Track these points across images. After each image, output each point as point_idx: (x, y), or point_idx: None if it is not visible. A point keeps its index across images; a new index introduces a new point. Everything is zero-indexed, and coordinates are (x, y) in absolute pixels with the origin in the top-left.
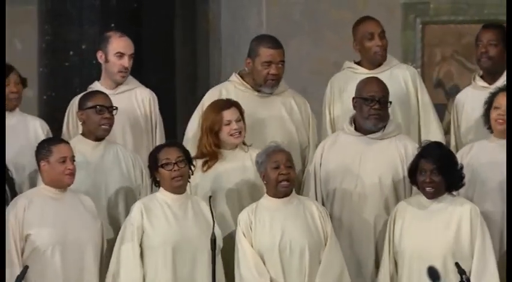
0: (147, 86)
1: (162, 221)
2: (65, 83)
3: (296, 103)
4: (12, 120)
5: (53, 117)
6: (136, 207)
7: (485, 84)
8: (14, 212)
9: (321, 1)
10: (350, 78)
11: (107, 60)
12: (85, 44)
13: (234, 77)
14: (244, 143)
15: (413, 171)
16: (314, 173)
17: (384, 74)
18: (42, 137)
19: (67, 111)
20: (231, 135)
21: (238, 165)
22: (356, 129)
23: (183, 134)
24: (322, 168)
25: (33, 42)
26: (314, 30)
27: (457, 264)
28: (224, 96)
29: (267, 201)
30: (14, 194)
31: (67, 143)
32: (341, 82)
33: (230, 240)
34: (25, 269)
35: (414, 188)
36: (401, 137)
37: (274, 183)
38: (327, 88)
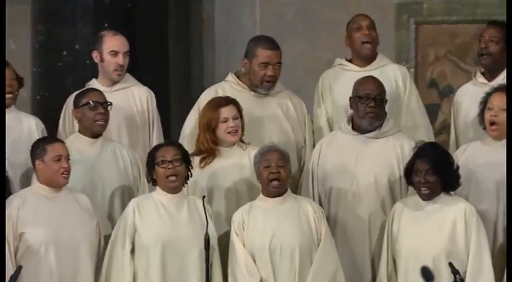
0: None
1: (154, 220)
2: (59, 82)
3: (292, 103)
4: (6, 118)
5: (47, 117)
6: (130, 206)
7: (485, 81)
8: (8, 210)
9: (314, 1)
10: (340, 75)
11: (102, 60)
12: (78, 44)
13: (231, 77)
14: (242, 141)
15: (409, 171)
16: (312, 173)
17: (374, 72)
18: (36, 134)
19: (63, 110)
20: (228, 132)
21: (235, 163)
22: (353, 128)
23: (178, 133)
24: (319, 168)
25: (27, 42)
26: (308, 30)
27: (450, 264)
28: (220, 95)
29: (261, 201)
30: (9, 193)
31: (62, 142)
32: (331, 79)
33: (227, 239)
34: (19, 269)
35: (411, 188)
36: (398, 135)
37: (265, 183)
38: (318, 85)
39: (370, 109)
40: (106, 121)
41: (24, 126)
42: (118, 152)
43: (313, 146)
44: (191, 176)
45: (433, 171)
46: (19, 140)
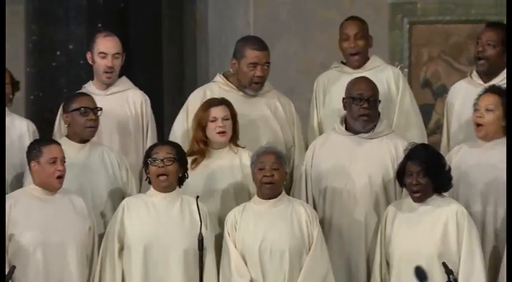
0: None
1: (141, 219)
2: (52, 83)
3: (280, 103)
4: None
5: (40, 117)
6: (121, 205)
7: (481, 82)
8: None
9: (307, 1)
10: (335, 77)
11: (93, 61)
12: (72, 44)
13: (219, 78)
14: (236, 145)
15: (401, 173)
16: (305, 174)
17: (367, 74)
18: (27, 137)
19: (59, 111)
20: (217, 133)
21: (226, 165)
22: (347, 128)
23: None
24: (313, 169)
25: (20, 42)
26: (301, 31)
27: (444, 264)
28: (208, 97)
29: (254, 203)
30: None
31: (58, 144)
32: (326, 81)
33: (218, 240)
34: (12, 268)
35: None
36: (392, 136)
37: (258, 185)
38: (314, 87)
39: (363, 110)
40: (96, 127)
41: (16, 129)
42: (106, 156)
43: (304, 146)
44: (187, 177)
45: (425, 172)
46: (10, 143)
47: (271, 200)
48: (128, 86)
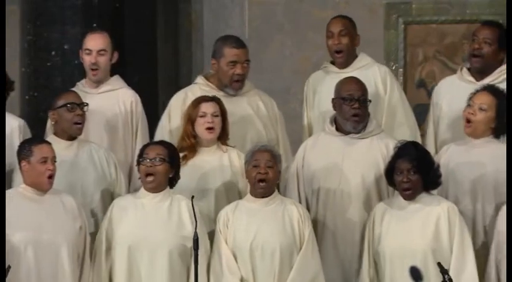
0: (129, 85)
1: (127, 220)
2: (47, 83)
3: (263, 102)
4: None
5: (35, 117)
6: (110, 207)
7: (472, 79)
8: None
9: (303, 1)
10: (323, 77)
11: (82, 59)
12: (67, 44)
13: (199, 79)
14: (226, 144)
15: (390, 172)
16: (297, 175)
17: (354, 73)
18: (17, 137)
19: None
20: (205, 128)
21: (216, 164)
22: (337, 129)
23: None
24: (304, 170)
25: (15, 42)
26: (296, 31)
27: (439, 264)
28: (189, 99)
29: (247, 201)
30: None
31: (49, 143)
32: (315, 81)
33: (208, 238)
34: (8, 268)
35: None
36: (382, 135)
37: (252, 182)
38: (304, 88)
39: (354, 111)
40: (83, 123)
41: (7, 128)
42: (94, 153)
43: (289, 144)
44: (179, 178)
45: (415, 170)
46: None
47: (263, 199)
48: (119, 85)
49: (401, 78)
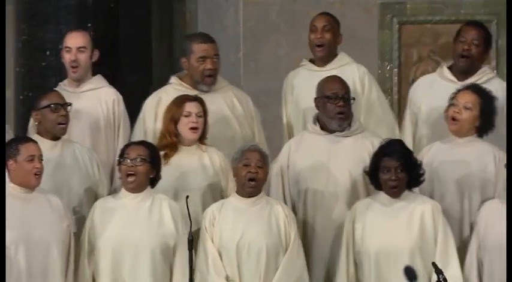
0: (124, 85)
1: (110, 221)
2: (42, 82)
3: (237, 98)
4: None
5: (30, 117)
6: (92, 209)
7: (454, 79)
8: None
9: (297, 1)
10: (302, 75)
11: (63, 58)
12: (62, 44)
13: (173, 79)
14: (204, 143)
15: (375, 170)
16: (281, 175)
17: (333, 72)
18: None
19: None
20: (189, 128)
21: (198, 164)
22: (321, 128)
23: None
24: (290, 170)
25: (10, 42)
26: (291, 31)
27: (433, 264)
28: (164, 100)
29: (234, 200)
30: None
31: (35, 142)
32: (294, 79)
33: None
34: None
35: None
36: (365, 133)
37: (242, 181)
38: (283, 86)
39: (339, 109)
40: (67, 123)
41: None
42: (78, 153)
43: (264, 140)
44: (160, 178)
45: (402, 168)
46: None
47: (250, 198)
48: (101, 84)
49: (395, 78)
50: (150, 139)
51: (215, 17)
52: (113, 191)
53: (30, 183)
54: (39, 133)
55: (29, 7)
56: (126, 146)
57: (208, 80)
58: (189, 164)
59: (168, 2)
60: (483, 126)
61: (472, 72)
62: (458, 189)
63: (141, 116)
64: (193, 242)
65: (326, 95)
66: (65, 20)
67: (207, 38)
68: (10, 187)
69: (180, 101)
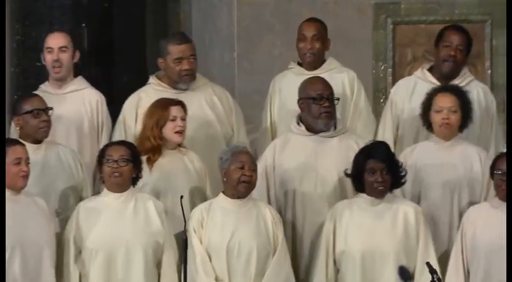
0: (118, 85)
1: (98, 223)
2: (36, 82)
3: (216, 95)
4: None
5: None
6: (75, 211)
7: (436, 82)
8: None
9: (291, 1)
10: (289, 78)
11: (44, 60)
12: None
13: (152, 79)
14: (181, 146)
15: (360, 172)
16: (266, 176)
17: (324, 75)
18: None
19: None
20: (175, 132)
21: (182, 166)
22: (306, 129)
23: None
24: (276, 172)
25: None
26: (285, 31)
27: (428, 264)
28: (144, 100)
29: (221, 201)
30: None
31: (22, 144)
32: (281, 82)
33: (175, 240)
34: None
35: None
36: (349, 134)
37: (235, 183)
38: (270, 87)
39: (325, 109)
40: (49, 127)
41: None
42: (62, 154)
43: (245, 133)
44: (141, 178)
45: (388, 169)
46: None
47: (239, 199)
48: (84, 85)
49: (390, 78)
50: (131, 139)
51: (209, 17)
52: (96, 193)
53: (17, 186)
54: (21, 137)
55: (22, 7)
56: (107, 147)
57: (186, 78)
58: (174, 167)
59: (162, 2)
60: (463, 124)
61: (454, 75)
62: (446, 192)
63: (121, 117)
64: (187, 241)
65: (311, 95)
66: (59, 20)
67: (183, 39)
68: None
69: (164, 105)
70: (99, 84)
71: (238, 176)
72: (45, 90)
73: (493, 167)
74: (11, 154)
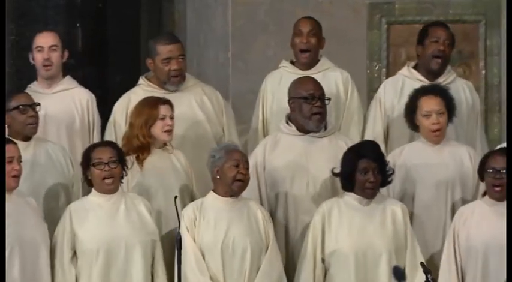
0: (111, 86)
1: (93, 224)
2: (30, 83)
3: (206, 94)
4: None
5: None
6: (67, 213)
7: (424, 79)
8: None
9: (286, 1)
10: (283, 77)
11: (33, 59)
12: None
13: (141, 80)
14: (167, 144)
15: (351, 171)
16: (257, 175)
17: (316, 76)
18: None
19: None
20: (164, 131)
21: (169, 164)
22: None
23: None
24: (267, 172)
25: None
26: (280, 31)
27: (422, 264)
28: (134, 101)
29: (213, 199)
30: None
31: (14, 143)
32: (274, 81)
33: (166, 239)
34: None
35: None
36: (338, 134)
37: (230, 181)
38: (261, 86)
39: (316, 109)
40: (37, 123)
41: None
42: (51, 151)
43: (236, 133)
44: (126, 175)
45: (379, 169)
46: None
47: (230, 198)
48: (73, 84)
49: (384, 78)
50: (119, 140)
51: (204, 16)
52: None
53: (9, 185)
54: (11, 136)
55: (17, 7)
56: (92, 149)
57: (174, 80)
58: (164, 166)
59: (157, 2)
60: (449, 120)
61: (441, 72)
62: (439, 191)
63: (111, 118)
64: (181, 241)
65: (302, 95)
66: (53, 19)
67: (171, 39)
68: None
69: (153, 104)
70: (92, 84)
71: (233, 174)
72: (34, 90)
73: (482, 166)
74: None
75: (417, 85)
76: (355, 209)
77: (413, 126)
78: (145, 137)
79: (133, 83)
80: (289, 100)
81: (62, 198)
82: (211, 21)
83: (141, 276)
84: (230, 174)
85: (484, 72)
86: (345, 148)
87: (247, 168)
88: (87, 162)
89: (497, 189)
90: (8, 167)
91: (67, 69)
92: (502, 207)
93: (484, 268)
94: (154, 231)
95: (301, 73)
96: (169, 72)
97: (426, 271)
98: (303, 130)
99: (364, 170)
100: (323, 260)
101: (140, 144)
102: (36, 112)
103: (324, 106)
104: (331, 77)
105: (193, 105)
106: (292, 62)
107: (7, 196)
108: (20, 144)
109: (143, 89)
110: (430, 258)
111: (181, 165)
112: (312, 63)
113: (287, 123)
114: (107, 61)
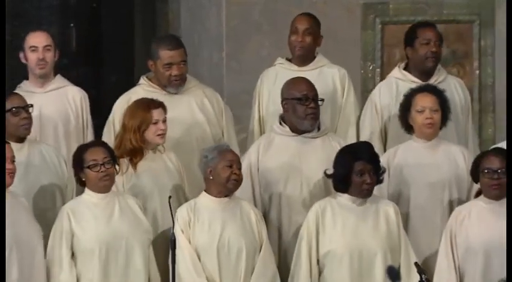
0: (106, 85)
1: (91, 223)
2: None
3: (206, 96)
4: None
5: None
6: (64, 213)
7: (417, 80)
8: None
9: (280, 1)
10: (278, 74)
11: (26, 59)
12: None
13: (142, 80)
14: (161, 146)
15: (347, 173)
16: (251, 175)
17: (312, 72)
18: None
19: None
20: (157, 135)
21: (162, 165)
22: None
23: None
24: (260, 173)
25: None
26: (274, 31)
27: (416, 264)
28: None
29: (206, 200)
30: None
31: (8, 143)
32: (269, 78)
33: (161, 239)
34: None
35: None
36: (331, 134)
37: (224, 181)
38: (257, 83)
39: (311, 110)
40: (30, 124)
41: None
42: (45, 152)
43: (235, 136)
44: (117, 174)
45: (375, 170)
46: None
47: (224, 198)
48: (64, 83)
49: (378, 78)
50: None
51: (198, 16)
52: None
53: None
54: None
55: (11, 7)
56: (85, 151)
57: (175, 83)
58: (158, 167)
59: (151, 2)
60: (443, 122)
61: (433, 71)
62: (435, 192)
63: (110, 117)
64: (175, 241)
65: (296, 96)
66: (47, 20)
67: (174, 44)
68: None
69: (145, 108)
70: (87, 84)
71: (227, 174)
72: (27, 90)
73: (476, 168)
74: None
75: (410, 87)
76: (348, 210)
77: (407, 125)
78: (138, 141)
79: (127, 83)
80: (282, 101)
81: (56, 199)
82: (205, 21)
83: (141, 274)
84: (224, 174)
85: (478, 72)
86: (338, 148)
87: (240, 169)
88: (80, 164)
89: (495, 187)
90: None
91: (61, 69)
92: (499, 205)
93: (484, 267)
94: (149, 230)
95: (297, 69)
96: (170, 77)
97: (420, 271)
98: (296, 130)
99: (360, 172)
100: (318, 261)
101: (133, 147)
102: (30, 113)
103: (317, 107)
104: (328, 74)
105: (194, 107)
106: (288, 59)
107: None
108: (14, 145)
109: (144, 89)
110: (425, 259)
111: (174, 165)
112: (307, 60)
113: (280, 123)
114: (101, 61)
